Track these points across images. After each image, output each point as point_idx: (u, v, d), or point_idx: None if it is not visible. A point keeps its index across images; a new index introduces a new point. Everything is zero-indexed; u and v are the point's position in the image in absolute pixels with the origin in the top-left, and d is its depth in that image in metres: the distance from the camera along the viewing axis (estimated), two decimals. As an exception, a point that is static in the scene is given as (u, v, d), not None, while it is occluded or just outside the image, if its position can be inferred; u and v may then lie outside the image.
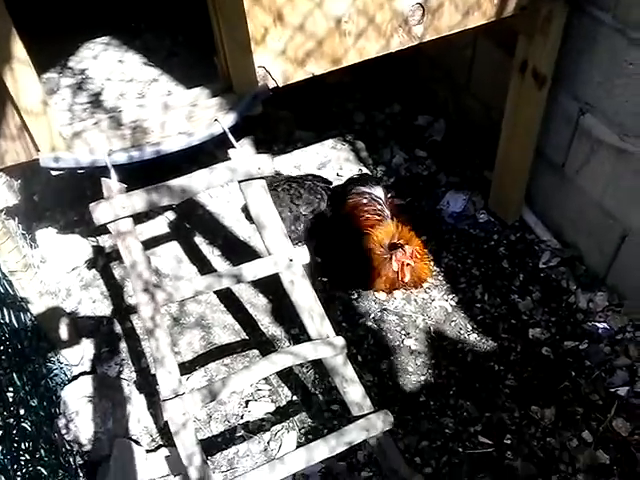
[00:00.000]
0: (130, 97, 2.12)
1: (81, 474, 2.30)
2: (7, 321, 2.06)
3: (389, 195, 3.05)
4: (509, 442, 2.38)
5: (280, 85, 2.05)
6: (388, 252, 2.76)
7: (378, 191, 3.01)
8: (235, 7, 1.79)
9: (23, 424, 1.85)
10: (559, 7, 2.34)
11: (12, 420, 1.78)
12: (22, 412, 1.88)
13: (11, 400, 1.83)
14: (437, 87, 3.68)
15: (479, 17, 2.22)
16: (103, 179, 1.93)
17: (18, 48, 1.63)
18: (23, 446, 1.79)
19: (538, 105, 2.68)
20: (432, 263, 2.98)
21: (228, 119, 2.00)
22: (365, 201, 2.99)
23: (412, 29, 2.12)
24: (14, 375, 1.90)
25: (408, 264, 2.73)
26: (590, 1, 2.35)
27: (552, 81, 2.60)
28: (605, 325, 2.70)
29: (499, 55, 2.93)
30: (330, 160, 3.55)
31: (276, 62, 1.99)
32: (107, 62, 2.31)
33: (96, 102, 2.10)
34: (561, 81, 2.62)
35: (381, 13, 2.03)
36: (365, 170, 3.51)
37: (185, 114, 2.01)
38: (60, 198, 3.25)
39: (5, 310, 2.06)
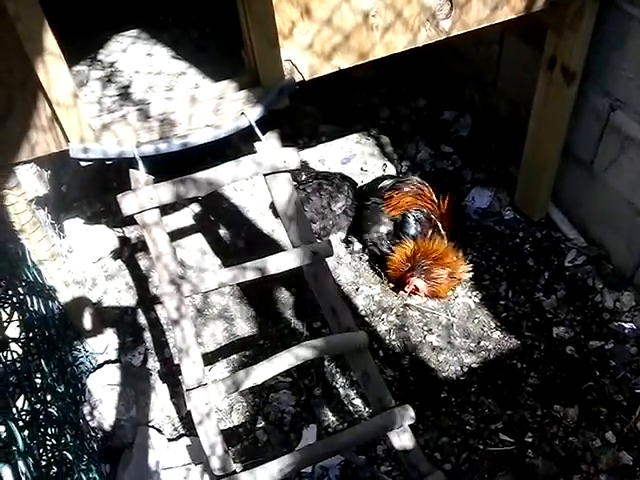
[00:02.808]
0: (158, 90, 2.13)
1: (104, 460, 2.34)
2: (36, 309, 2.10)
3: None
4: (530, 440, 2.37)
5: (306, 79, 2.05)
6: (407, 269, 2.80)
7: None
8: (264, 1, 1.79)
9: (50, 409, 1.88)
10: (590, 2, 2.30)
11: (39, 405, 1.81)
12: (49, 398, 1.92)
13: (39, 386, 1.87)
14: (464, 82, 3.65)
15: (508, 12, 2.19)
16: (131, 170, 1.96)
17: (50, 41, 1.65)
18: (49, 431, 1.82)
19: (567, 102, 2.64)
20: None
21: (255, 112, 2.01)
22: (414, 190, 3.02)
23: (440, 23, 2.11)
24: (42, 361, 1.94)
25: (417, 290, 2.79)
26: (622, -4, 2.32)
27: (581, 77, 2.56)
28: (632, 325, 2.66)
29: (527, 51, 2.89)
30: (355, 155, 3.54)
31: (303, 56, 1.99)
32: (136, 55, 2.33)
33: (125, 95, 2.11)
34: (591, 77, 2.58)
35: (409, 7, 2.02)
36: (390, 165, 3.49)
37: (212, 107, 2.02)
38: (87, 189, 3.29)
39: (34, 298, 2.10)
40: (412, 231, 2.91)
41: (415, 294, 2.84)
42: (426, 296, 2.85)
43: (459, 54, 3.59)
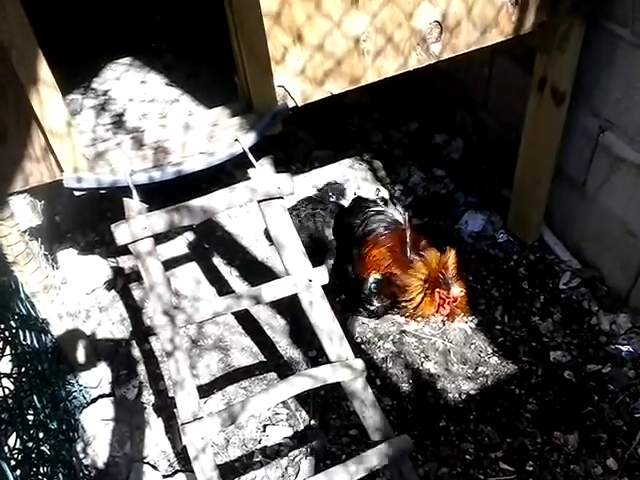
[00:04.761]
0: (152, 117, 2.13)
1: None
2: (28, 342, 2.06)
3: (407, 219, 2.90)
4: (531, 469, 2.33)
5: (299, 104, 2.06)
6: (429, 286, 2.67)
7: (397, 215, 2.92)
8: (256, 28, 1.80)
9: (42, 447, 1.83)
10: (577, 24, 2.34)
11: (31, 443, 1.76)
12: (41, 435, 1.87)
13: (31, 423, 1.82)
14: (455, 105, 3.67)
15: (497, 35, 2.22)
16: (125, 199, 1.94)
17: (45, 71, 1.65)
18: (42, 470, 1.77)
19: (557, 123, 2.66)
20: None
21: (248, 139, 2.00)
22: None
23: (430, 47, 2.13)
24: (34, 397, 1.90)
25: (450, 301, 2.67)
26: (608, 17, 2.35)
27: (571, 98, 2.58)
28: (629, 348, 2.64)
29: (517, 73, 2.93)
30: (348, 179, 3.54)
31: (295, 81, 2.00)
32: (129, 83, 2.33)
33: (118, 123, 2.11)
34: (580, 98, 2.61)
35: (399, 31, 2.04)
36: (382, 189, 3.49)
37: (206, 134, 2.01)
38: (81, 219, 3.27)
39: (27, 332, 2.07)
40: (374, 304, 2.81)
41: (455, 309, 2.70)
42: (464, 303, 2.73)
43: (450, 77, 3.61)
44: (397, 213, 2.93)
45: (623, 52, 2.34)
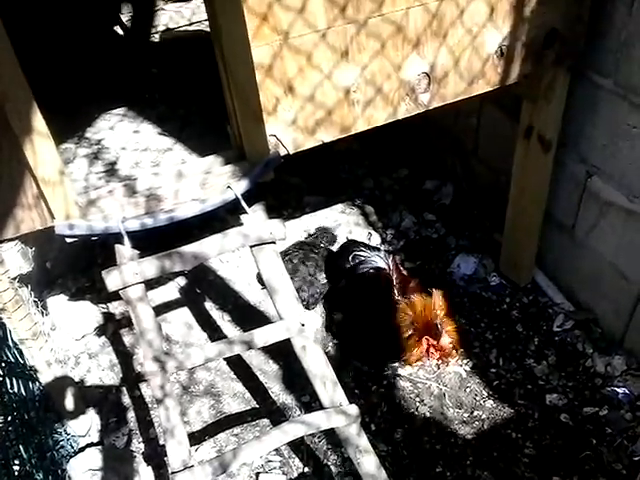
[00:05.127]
0: (145, 166, 2.15)
1: None
2: (15, 391, 2.03)
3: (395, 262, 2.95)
4: (531, 516, 2.29)
5: (291, 153, 2.09)
6: (416, 331, 2.67)
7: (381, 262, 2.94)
8: (248, 80, 1.84)
9: (27, 500, 1.79)
10: (561, 74, 2.41)
11: (17, 496, 1.72)
12: (27, 487, 1.83)
13: (16, 474, 1.78)
14: (444, 152, 3.74)
15: (483, 85, 2.27)
16: (116, 246, 1.95)
17: (38, 121, 1.67)
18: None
19: (545, 169, 2.71)
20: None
21: (241, 186, 2.03)
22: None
23: (418, 97, 2.18)
24: (20, 447, 1.86)
25: (437, 349, 2.67)
26: (591, 68, 2.43)
27: (558, 145, 2.64)
28: (625, 390, 2.63)
29: (505, 120, 2.99)
30: (340, 224, 3.57)
31: (287, 131, 2.03)
32: (123, 132, 2.36)
33: (111, 171, 2.13)
34: (567, 145, 2.66)
35: (388, 82, 2.09)
36: (374, 234, 3.52)
37: (199, 181, 2.04)
38: (72, 265, 3.27)
39: (14, 380, 2.04)
40: None
41: (445, 356, 2.71)
42: (453, 349, 2.72)
43: (439, 125, 3.68)
44: (381, 259, 2.96)
45: (606, 101, 2.41)
